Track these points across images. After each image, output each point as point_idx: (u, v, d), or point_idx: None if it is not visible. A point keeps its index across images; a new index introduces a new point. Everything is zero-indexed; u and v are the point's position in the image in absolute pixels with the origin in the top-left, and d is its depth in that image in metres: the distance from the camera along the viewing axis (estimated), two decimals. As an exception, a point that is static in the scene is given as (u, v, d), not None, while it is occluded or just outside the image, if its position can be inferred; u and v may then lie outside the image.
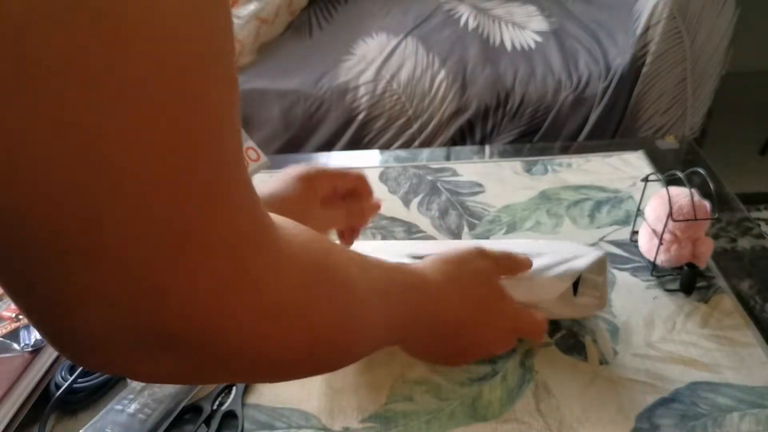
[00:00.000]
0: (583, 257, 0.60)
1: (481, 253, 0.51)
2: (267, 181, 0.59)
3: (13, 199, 0.19)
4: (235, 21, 1.60)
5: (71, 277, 0.22)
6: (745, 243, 0.76)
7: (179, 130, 0.21)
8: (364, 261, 0.36)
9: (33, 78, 0.17)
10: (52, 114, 0.18)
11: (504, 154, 0.96)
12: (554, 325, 0.66)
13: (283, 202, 0.56)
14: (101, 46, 0.18)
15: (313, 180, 0.60)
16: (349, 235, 0.66)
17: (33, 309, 0.23)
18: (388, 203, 0.83)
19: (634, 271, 0.72)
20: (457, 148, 1.01)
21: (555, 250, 0.61)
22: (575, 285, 0.59)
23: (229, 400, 0.59)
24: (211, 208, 0.23)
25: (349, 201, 0.63)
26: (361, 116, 1.59)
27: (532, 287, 0.57)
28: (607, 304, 0.62)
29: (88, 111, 0.19)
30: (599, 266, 0.60)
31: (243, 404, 0.59)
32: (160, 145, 0.20)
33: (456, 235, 0.79)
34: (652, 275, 0.71)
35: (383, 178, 0.91)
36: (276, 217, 0.28)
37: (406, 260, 0.58)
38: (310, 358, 0.31)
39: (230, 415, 0.58)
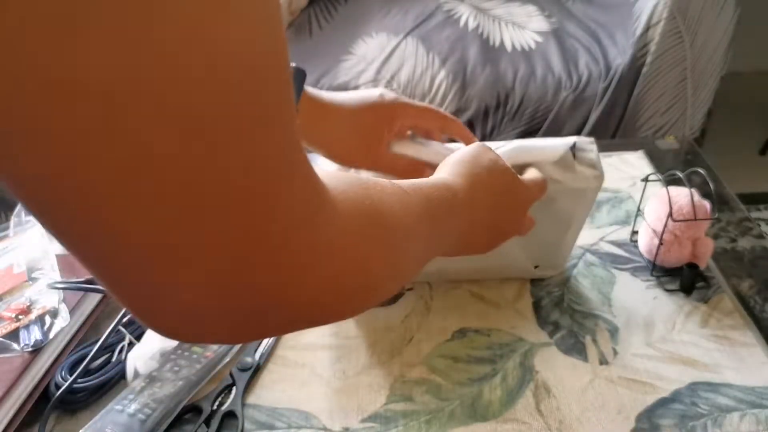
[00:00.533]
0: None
1: (487, 148, 0.52)
2: (343, 94, 0.58)
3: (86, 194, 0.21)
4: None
5: (157, 274, 0.23)
6: (745, 243, 0.76)
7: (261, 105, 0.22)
8: (403, 193, 0.38)
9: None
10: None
11: (504, 154, 0.96)
12: (554, 326, 0.66)
13: (352, 122, 0.57)
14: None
15: (394, 109, 0.58)
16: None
17: (126, 297, 0.25)
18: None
19: (634, 271, 0.72)
20: (457, 148, 1.01)
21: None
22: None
23: (229, 400, 0.59)
24: (285, 181, 0.25)
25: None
26: (361, 116, 1.59)
27: (531, 150, 0.59)
28: (604, 178, 0.62)
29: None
30: (590, 142, 0.62)
31: (243, 404, 0.59)
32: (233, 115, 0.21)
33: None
34: (652, 275, 0.71)
35: (383, 178, 0.91)
36: (322, 175, 0.29)
37: None
38: (372, 297, 0.34)
39: (230, 415, 0.58)
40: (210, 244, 0.23)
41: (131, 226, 0.22)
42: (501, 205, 0.49)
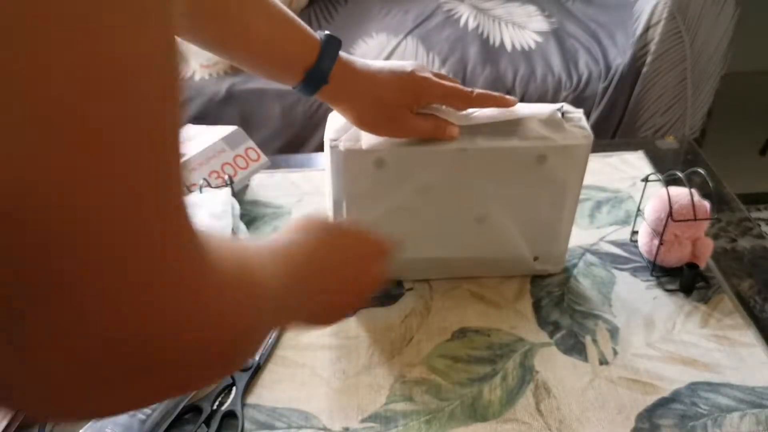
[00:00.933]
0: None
1: (322, 223, 0.50)
2: (377, 62, 0.61)
3: None
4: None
5: (26, 322, 0.22)
6: (745, 243, 0.76)
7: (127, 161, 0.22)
8: (266, 260, 0.38)
9: None
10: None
11: (504, 154, 0.96)
12: (554, 326, 0.66)
13: (379, 91, 0.59)
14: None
15: (423, 87, 0.60)
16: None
17: None
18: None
19: (634, 271, 0.72)
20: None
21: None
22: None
23: (229, 400, 0.59)
24: (161, 238, 0.24)
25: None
26: (361, 116, 1.59)
27: (523, 107, 0.62)
28: (592, 139, 0.63)
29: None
30: (576, 110, 0.65)
31: (243, 404, 0.59)
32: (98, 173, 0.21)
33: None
34: (652, 275, 0.71)
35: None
36: (201, 232, 0.29)
37: None
38: (236, 355, 0.34)
39: (230, 415, 0.58)
40: (91, 293, 0.22)
41: None
42: (341, 264, 0.48)
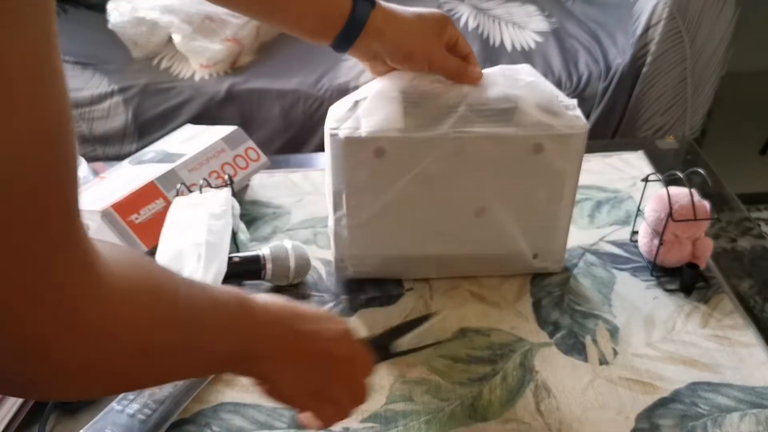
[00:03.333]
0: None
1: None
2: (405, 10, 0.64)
3: None
4: (235, 21, 1.60)
5: None
6: (745, 243, 0.76)
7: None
8: (189, 283, 0.39)
9: None
10: None
11: (504, 154, 0.96)
12: (554, 326, 0.66)
13: (413, 22, 0.63)
14: None
15: (447, 19, 0.64)
16: None
17: None
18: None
19: (634, 271, 0.72)
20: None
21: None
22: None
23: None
24: (48, 258, 0.27)
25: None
26: (361, 116, 1.59)
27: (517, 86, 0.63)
28: (588, 130, 0.64)
29: None
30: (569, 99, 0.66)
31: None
32: None
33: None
34: (652, 275, 0.71)
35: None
36: (102, 246, 0.31)
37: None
38: (149, 367, 0.36)
39: (230, 415, 0.58)
40: None
41: None
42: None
